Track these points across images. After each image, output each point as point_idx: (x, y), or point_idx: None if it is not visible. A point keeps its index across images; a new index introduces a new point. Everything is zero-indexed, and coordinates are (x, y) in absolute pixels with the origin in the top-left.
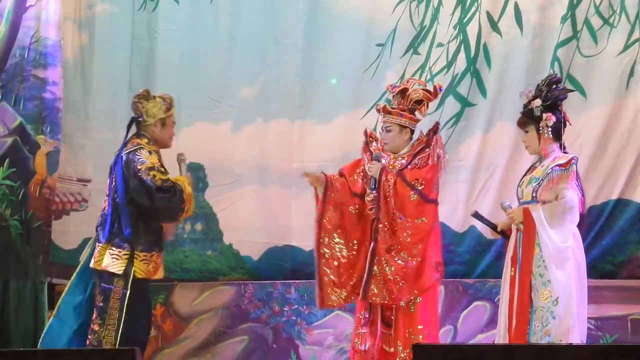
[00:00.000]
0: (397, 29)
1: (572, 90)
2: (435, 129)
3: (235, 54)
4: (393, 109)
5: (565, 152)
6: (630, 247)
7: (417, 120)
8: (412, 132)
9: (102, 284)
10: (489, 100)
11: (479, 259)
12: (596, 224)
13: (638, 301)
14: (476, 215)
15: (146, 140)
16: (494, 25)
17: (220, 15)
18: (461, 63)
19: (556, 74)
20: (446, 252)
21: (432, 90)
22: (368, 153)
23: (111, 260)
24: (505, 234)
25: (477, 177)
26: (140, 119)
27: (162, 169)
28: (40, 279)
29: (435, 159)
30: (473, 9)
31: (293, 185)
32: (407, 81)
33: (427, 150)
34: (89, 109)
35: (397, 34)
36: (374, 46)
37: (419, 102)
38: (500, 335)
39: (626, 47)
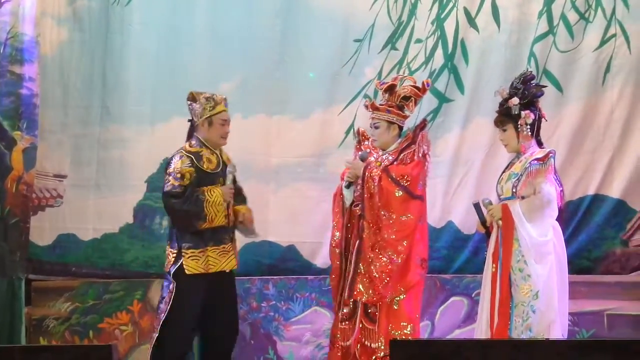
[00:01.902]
0: (375, 25)
1: (545, 86)
2: (422, 126)
3: (212, 49)
4: (381, 105)
5: (542, 148)
6: (607, 243)
7: (406, 117)
8: (401, 128)
9: (164, 285)
10: (467, 96)
11: (456, 255)
12: (573, 219)
13: (614, 296)
14: (477, 205)
15: (194, 142)
16: (471, 21)
17: (197, 9)
18: (439, 59)
19: (530, 72)
20: None
21: (420, 86)
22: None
23: (167, 261)
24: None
25: (455, 173)
26: (193, 121)
27: (179, 175)
28: (18, 276)
29: (420, 155)
30: (450, 4)
31: (271, 181)
32: (396, 77)
33: (412, 146)
34: (67, 104)
35: (375, 29)
36: (351, 42)
37: (406, 98)
38: (482, 332)
39: (602, 42)
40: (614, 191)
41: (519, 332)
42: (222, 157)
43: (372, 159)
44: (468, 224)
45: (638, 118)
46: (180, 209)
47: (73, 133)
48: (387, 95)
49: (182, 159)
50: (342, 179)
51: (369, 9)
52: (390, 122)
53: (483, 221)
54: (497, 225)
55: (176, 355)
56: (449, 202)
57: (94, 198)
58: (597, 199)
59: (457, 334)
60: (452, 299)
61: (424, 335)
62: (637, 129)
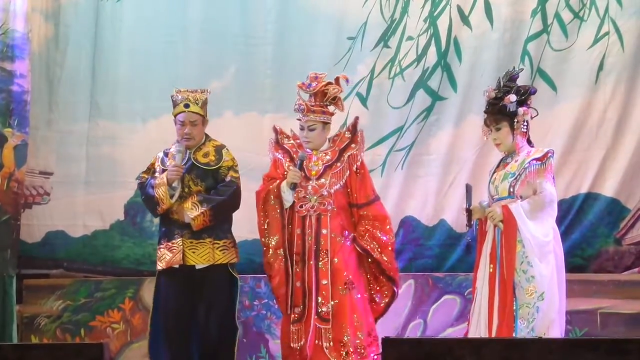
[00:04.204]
0: (368, 22)
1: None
2: (355, 124)
3: (204, 46)
4: (312, 106)
5: (532, 146)
6: (600, 241)
7: (333, 115)
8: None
9: None
10: (460, 94)
11: (449, 253)
12: (566, 217)
13: (607, 295)
14: (468, 188)
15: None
16: (464, 19)
17: (189, 6)
18: (432, 57)
19: (520, 69)
20: (416, 245)
21: (339, 84)
22: (281, 151)
23: None
24: (470, 223)
25: (448, 171)
26: None
27: (147, 167)
28: (9, 273)
29: (362, 154)
30: (443, 2)
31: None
32: (317, 77)
33: (353, 146)
34: (52, 100)
35: (368, 27)
36: (344, 39)
37: (335, 98)
38: (480, 333)
39: (596, 40)
40: (607, 189)
41: (524, 334)
42: (196, 155)
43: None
44: (461, 222)
45: (631, 116)
46: (142, 197)
47: (59, 129)
48: (315, 96)
49: (159, 153)
50: (265, 180)
51: (361, 7)
52: (325, 123)
53: (469, 206)
54: (494, 225)
55: (173, 354)
56: (441, 200)
57: (83, 195)
58: (590, 197)
59: (450, 332)
60: (445, 297)
61: (417, 333)
62: (630, 127)
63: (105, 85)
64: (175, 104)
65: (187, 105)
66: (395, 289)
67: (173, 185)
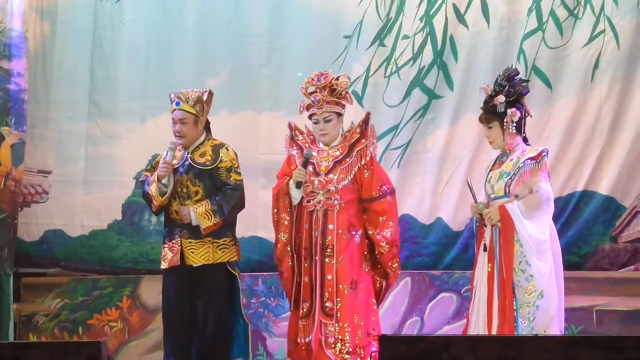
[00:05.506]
0: (364, 21)
1: (528, 80)
2: (367, 120)
3: (201, 45)
4: (324, 98)
5: (528, 145)
6: (596, 239)
7: (344, 106)
8: None
9: None
10: (456, 93)
11: (446, 251)
12: (562, 215)
13: (603, 292)
14: (470, 184)
15: None
16: (460, 18)
17: (186, 5)
18: (428, 55)
19: (515, 68)
20: (412, 244)
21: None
22: (295, 147)
23: None
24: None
25: (444, 169)
26: None
27: (150, 167)
28: (5, 271)
29: (372, 149)
30: (439, 1)
31: (260, 177)
32: (322, 73)
33: (363, 141)
34: (50, 99)
35: (364, 25)
36: (341, 38)
37: (344, 92)
38: (479, 332)
39: (591, 38)
40: (603, 187)
41: (526, 333)
42: (193, 155)
43: (314, 153)
44: (457, 220)
45: (627, 114)
46: (142, 194)
47: (57, 128)
48: (326, 90)
49: (163, 152)
50: (279, 177)
51: (357, 5)
52: (339, 114)
53: (476, 201)
54: (492, 225)
55: (172, 350)
56: (437, 199)
57: (81, 194)
58: (586, 195)
59: (447, 329)
60: (441, 295)
61: (414, 331)
62: (625, 125)
63: (105, 84)
64: (170, 102)
65: (177, 103)
66: (384, 281)
67: (163, 181)
